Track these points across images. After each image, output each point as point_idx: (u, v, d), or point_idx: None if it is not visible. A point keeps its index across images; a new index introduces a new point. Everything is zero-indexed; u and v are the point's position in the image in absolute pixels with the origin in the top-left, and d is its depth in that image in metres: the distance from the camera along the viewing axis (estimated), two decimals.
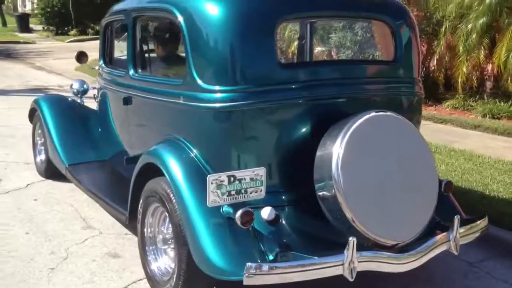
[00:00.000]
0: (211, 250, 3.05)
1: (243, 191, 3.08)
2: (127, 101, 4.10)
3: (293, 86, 3.24)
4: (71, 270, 3.97)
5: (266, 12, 3.21)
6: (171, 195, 3.30)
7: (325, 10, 3.47)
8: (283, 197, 3.28)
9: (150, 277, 3.61)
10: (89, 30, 26.43)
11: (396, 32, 3.58)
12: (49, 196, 5.47)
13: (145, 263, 3.69)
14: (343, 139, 3.02)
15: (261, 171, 3.10)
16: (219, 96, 3.18)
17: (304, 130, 3.29)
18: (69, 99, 6.12)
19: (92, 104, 5.93)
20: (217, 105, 3.18)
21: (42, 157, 6.09)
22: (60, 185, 5.73)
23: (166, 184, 3.37)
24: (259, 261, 2.98)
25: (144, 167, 3.63)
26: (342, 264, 2.90)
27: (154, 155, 3.49)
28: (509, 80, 8.40)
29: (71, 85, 6.26)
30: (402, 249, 3.12)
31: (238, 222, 3.00)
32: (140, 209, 3.68)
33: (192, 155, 3.34)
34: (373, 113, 3.14)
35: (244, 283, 2.86)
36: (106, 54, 4.88)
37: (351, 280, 2.92)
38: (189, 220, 3.13)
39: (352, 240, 2.88)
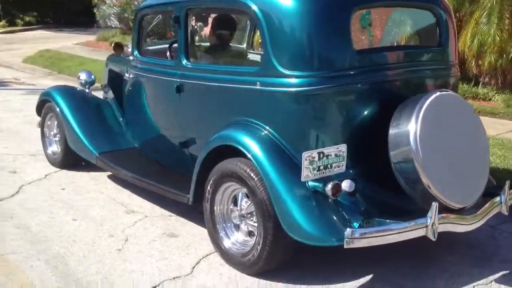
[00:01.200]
0: (304, 220, 3.38)
1: (329, 166, 3.43)
2: (179, 89, 4.30)
3: (365, 71, 3.59)
4: (138, 249, 4.16)
5: (342, 2, 3.54)
6: (252, 174, 3.57)
7: (391, 0, 3.85)
8: (356, 171, 3.63)
9: (224, 251, 3.88)
10: (18, 21, 25.53)
11: (440, 20, 4.01)
12: (74, 185, 5.58)
13: (216, 239, 3.95)
14: (417, 116, 3.41)
15: (343, 148, 3.46)
16: (299, 81, 3.49)
17: (372, 109, 3.66)
18: (79, 89, 6.20)
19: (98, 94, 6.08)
20: (298, 89, 3.50)
21: (54, 148, 6.18)
22: (79, 174, 5.85)
23: (245, 164, 3.64)
24: (347, 228, 3.31)
25: (213, 150, 3.87)
26: (426, 226, 3.28)
27: (230, 138, 3.75)
28: (473, 63, 9.08)
29: (79, 76, 6.35)
30: (467, 212, 3.53)
31: (329, 194, 3.34)
32: (209, 189, 3.92)
33: (270, 135, 3.63)
34: (438, 92, 3.55)
35: (345, 246, 3.21)
36: (142, 44, 5.03)
37: (433, 239, 3.32)
38: (279, 195, 3.44)
39: (435, 204, 3.28)
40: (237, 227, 3.93)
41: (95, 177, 5.80)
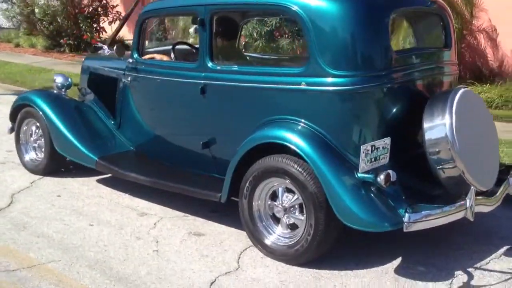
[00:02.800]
0: (359, 209, 3.68)
1: (378, 158, 3.75)
2: (203, 90, 4.43)
3: (401, 70, 3.95)
4: (174, 249, 4.25)
5: (382, 5, 3.86)
6: (302, 169, 3.80)
7: (416, 5, 4.28)
8: (393, 162, 3.96)
9: (267, 246, 4.06)
10: None
11: (446, 24, 4.46)
12: (68, 191, 5.50)
13: (256, 235, 4.13)
14: (451, 109, 3.81)
15: (388, 140, 3.79)
16: (344, 80, 3.78)
17: (404, 105, 4.02)
18: (58, 93, 6.10)
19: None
20: (343, 88, 3.79)
21: (32, 155, 6.03)
22: (66, 180, 5.77)
23: (291, 160, 3.87)
24: (395, 215, 3.64)
25: (252, 148, 4.05)
26: (466, 208, 3.68)
27: (276, 135, 3.95)
28: None
29: (54, 80, 6.23)
30: (489, 194, 3.99)
31: (382, 183, 3.66)
32: (248, 185, 4.10)
33: (315, 131, 3.88)
34: (463, 89, 3.97)
35: (405, 230, 3.55)
36: (142, 47, 5.07)
37: (472, 220, 3.73)
38: (332, 187, 3.70)
39: (473, 189, 3.69)
40: (277, 221, 4.13)
41: (85, 182, 5.74)
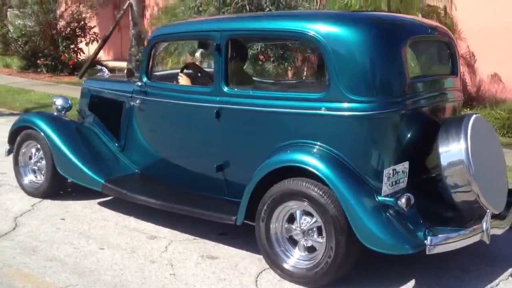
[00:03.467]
0: (380, 232, 3.77)
1: (398, 181, 3.85)
2: (218, 114, 4.48)
3: (416, 96, 4.07)
4: (191, 273, 4.26)
5: (399, 33, 4.00)
6: (322, 192, 3.88)
7: (428, 34, 4.45)
8: (409, 186, 4.07)
9: (284, 268, 4.10)
10: None
11: (453, 51, 4.62)
12: (71, 214, 5.46)
13: (274, 258, 4.17)
14: (466, 135, 3.94)
15: (407, 165, 3.91)
16: (363, 105, 3.88)
17: (418, 130, 4.14)
18: (57, 115, 6.08)
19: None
20: (363, 113, 3.89)
21: (31, 177, 5.97)
22: (67, 203, 5.73)
23: (311, 183, 3.94)
24: (415, 237, 3.74)
25: (270, 172, 4.11)
26: (483, 231, 3.80)
27: (295, 159, 4.02)
28: None
29: (54, 102, 6.21)
30: (501, 217, 4.12)
31: (403, 206, 3.75)
32: (266, 208, 4.15)
33: (334, 155, 3.96)
34: (475, 115, 4.11)
35: (427, 253, 3.64)
36: (151, 70, 5.11)
37: (487, 242, 3.85)
38: (353, 210, 3.78)
39: (489, 212, 3.81)
40: (294, 244, 4.18)
41: (87, 205, 5.70)
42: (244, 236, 4.80)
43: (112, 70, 16.31)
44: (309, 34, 4.03)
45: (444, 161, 3.98)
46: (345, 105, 3.91)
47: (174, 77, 5.36)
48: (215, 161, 4.60)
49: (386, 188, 3.78)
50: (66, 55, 16.84)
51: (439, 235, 3.74)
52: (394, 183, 3.85)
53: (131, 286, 4.01)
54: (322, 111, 3.98)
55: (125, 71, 5.29)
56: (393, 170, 3.82)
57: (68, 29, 17.32)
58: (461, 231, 3.83)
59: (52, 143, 5.59)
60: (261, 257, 4.43)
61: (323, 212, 3.90)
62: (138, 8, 16.27)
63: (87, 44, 17.62)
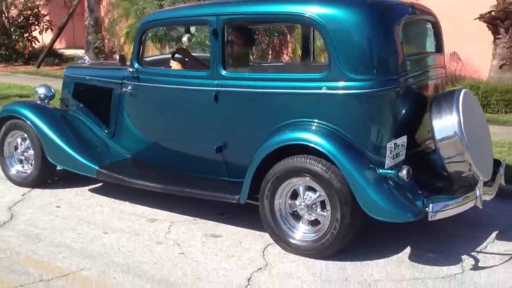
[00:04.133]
0: (383, 202, 4.00)
1: (398, 154, 4.09)
2: (217, 97, 4.60)
3: (410, 73, 4.30)
4: (200, 251, 4.39)
5: (394, 14, 4.21)
6: (324, 168, 4.07)
7: (414, 14, 4.64)
8: (406, 158, 4.31)
9: (291, 243, 4.28)
10: None
11: (437, 30, 4.87)
12: (65, 201, 5.49)
13: (280, 233, 4.34)
14: (458, 108, 4.20)
15: (405, 138, 4.15)
16: (363, 84, 4.08)
17: (412, 106, 4.37)
18: (41, 103, 6.07)
19: None
20: (363, 91, 4.09)
21: (18, 167, 5.95)
22: (58, 192, 5.76)
23: (314, 160, 4.12)
24: (415, 206, 3.99)
25: (273, 151, 4.28)
26: (476, 198, 4.07)
27: (299, 137, 4.18)
28: None
29: (37, 91, 6.18)
30: (489, 184, 4.42)
31: (404, 178, 3.99)
32: (270, 186, 4.32)
33: (336, 132, 4.15)
34: (464, 89, 4.38)
35: (430, 219, 3.91)
36: (142, 56, 5.17)
37: (481, 207, 4.13)
38: (358, 183, 4.00)
39: (482, 179, 4.09)
40: (297, 218, 4.36)
41: (78, 192, 5.75)
42: (242, 215, 4.96)
43: (70, 58, 16.11)
44: (309, 16, 4.19)
45: (438, 134, 4.23)
46: (345, 83, 4.10)
47: (164, 63, 5.42)
48: (214, 143, 4.72)
49: (389, 161, 4.01)
50: (20, 44, 16.47)
51: (439, 203, 3.98)
52: (395, 156, 4.08)
53: (144, 267, 4.11)
54: (323, 90, 4.15)
55: (118, 57, 5.31)
56: (394, 144, 4.05)
57: (21, 17, 16.92)
58: (456, 199, 4.10)
59: (41, 132, 5.58)
60: (262, 233, 4.61)
61: (327, 186, 4.09)
62: None
63: (40, 32, 17.28)
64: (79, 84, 5.99)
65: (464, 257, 4.31)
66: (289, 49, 12.35)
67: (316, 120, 4.22)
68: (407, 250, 4.41)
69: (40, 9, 17.17)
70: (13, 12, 17.00)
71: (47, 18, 17.40)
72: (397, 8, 4.42)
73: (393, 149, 4.05)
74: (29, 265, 4.11)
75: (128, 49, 13.84)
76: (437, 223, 4.54)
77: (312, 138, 4.15)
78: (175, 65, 5.31)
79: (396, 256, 4.32)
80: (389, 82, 4.12)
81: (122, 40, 14.54)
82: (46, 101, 6.13)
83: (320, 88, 4.17)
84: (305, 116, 4.27)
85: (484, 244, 4.55)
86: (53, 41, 15.99)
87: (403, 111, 4.29)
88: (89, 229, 4.79)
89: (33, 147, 5.71)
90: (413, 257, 4.29)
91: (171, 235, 4.69)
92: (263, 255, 4.32)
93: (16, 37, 16.44)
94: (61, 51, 17.33)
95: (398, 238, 4.55)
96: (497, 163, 4.72)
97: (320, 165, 4.10)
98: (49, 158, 5.58)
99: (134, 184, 5.07)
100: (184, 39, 5.64)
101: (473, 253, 4.36)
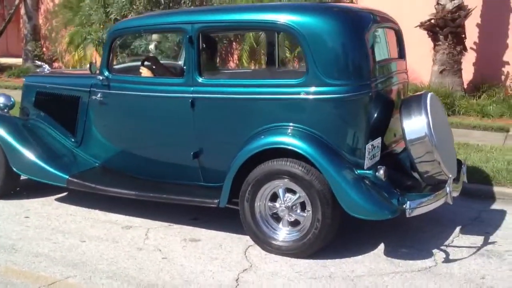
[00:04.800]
0: (362, 201, 4.19)
1: (374, 155, 4.30)
2: (193, 104, 4.68)
3: (380, 78, 4.53)
4: (182, 255, 4.44)
5: (365, 23, 4.43)
6: (305, 170, 4.23)
7: (382, 23, 4.90)
8: (380, 159, 4.53)
9: (272, 244, 4.40)
10: None
11: (400, 37, 5.14)
12: (33, 212, 5.41)
13: (260, 235, 4.45)
14: (426, 110, 4.45)
15: (379, 140, 4.36)
16: (339, 89, 4.26)
17: (382, 109, 4.58)
18: (1, 113, 5.96)
19: None
20: (339, 95, 4.26)
21: None
22: (23, 202, 5.68)
23: (295, 162, 4.27)
24: (391, 204, 4.21)
25: (253, 155, 4.40)
26: (447, 194, 4.33)
27: (278, 141, 4.31)
28: None
29: None
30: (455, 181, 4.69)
31: (382, 177, 4.20)
32: (250, 189, 4.43)
33: (314, 135, 4.31)
34: (430, 93, 4.65)
35: (408, 215, 4.14)
36: (111, 64, 5.18)
37: (451, 203, 4.39)
38: (338, 184, 4.16)
39: (451, 177, 4.36)
40: (278, 220, 4.49)
41: (45, 202, 5.68)
42: (216, 219, 5.05)
43: (6, 67, 15.63)
44: (285, 23, 4.34)
45: (408, 135, 4.46)
46: (323, 88, 4.26)
47: (133, 70, 5.44)
48: (191, 149, 4.77)
49: (367, 162, 4.20)
50: None
51: (415, 200, 4.21)
52: (372, 156, 4.28)
53: (130, 273, 4.12)
54: (302, 96, 4.31)
55: (88, 65, 5.27)
56: (371, 145, 4.25)
57: None
58: (428, 196, 4.34)
59: (5, 142, 5.48)
60: (240, 235, 4.72)
61: (307, 187, 4.24)
62: (32, 1, 15.69)
63: None
64: (41, 93, 5.91)
65: (435, 251, 4.54)
66: (235, 56, 12.55)
67: (294, 124, 4.36)
68: (382, 246, 4.61)
69: None
70: None
71: None
72: (366, 16, 4.63)
73: (371, 150, 4.24)
74: (11, 276, 4.05)
75: (71, 57, 13.64)
76: (404, 221, 4.78)
77: (293, 141, 4.29)
78: (145, 72, 5.33)
79: (372, 252, 4.51)
80: (363, 87, 4.31)
81: (63, 47, 14.28)
82: (5, 110, 6.00)
83: (298, 93, 4.31)
84: (284, 120, 4.41)
85: (451, 238, 4.81)
86: None
87: (375, 115, 4.49)
88: (65, 238, 4.74)
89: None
90: (388, 253, 4.49)
91: (150, 241, 4.71)
92: (246, 257, 4.42)
93: None
94: None
95: (371, 235, 4.75)
96: (459, 163, 5.00)
97: (300, 168, 4.24)
98: (14, 169, 5.47)
99: (108, 191, 5.06)
100: (151, 47, 5.68)
101: (442, 247, 4.61)
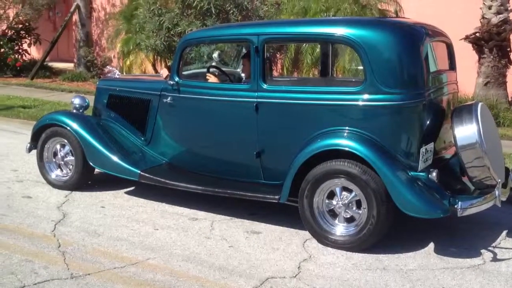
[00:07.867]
0: (416, 200, 4.54)
1: (427, 158, 4.66)
2: (257, 108, 5.12)
3: (433, 88, 4.90)
4: (246, 245, 4.86)
5: (421, 36, 4.82)
6: (361, 170, 4.61)
7: (435, 36, 5.27)
8: (432, 162, 4.89)
9: (329, 237, 4.80)
10: None
11: (451, 50, 5.51)
12: (107, 202, 5.89)
13: (317, 229, 4.85)
14: (477, 118, 4.79)
15: (432, 145, 4.73)
16: (395, 97, 4.64)
17: (434, 117, 4.95)
18: (79, 113, 6.50)
19: None
20: (395, 103, 4.64)
21: (57, 172, 6.35)
22: (96, 194, 6.16)
23: (352, 163, 4.66)
24: (443, 204, 4.57)
25: (313, 155, 4.81)
26: (496, 197, 4.66)
27: (337, 143, 4.72)
28: None
29: (72, 101, 6.60)
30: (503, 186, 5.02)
31: (435, 179, 4.57)
32: (309, 187, 4.84)
33: (371, 139, 4.70)
34: (479, 102, 4.99)
35: (459, 215, 4.49)
36: (181, 70, 5.68)
37: (500, 206, 4.71)
38: (393, 184, 4.53)
39: (500, 181, 4.69)
40: (334, 216, 4.89)
41: (116, 195, 6.16)
42: (272, 214, 5.47)
43: (59, 71, 16.36)
44: (346, 36, 4.76)
45: (460, 141, 4.81)
46: (380, 96, 4.66)
47: (199, 76, 5.93)
48: (253, 150, 5.21)
49: (421, 164, 4.58)
50: (11, 56, 16.70)
51: (466, 201, 4.56)
52: (425, 160, 4.65)
53: (201, 257, 4.56)
54: (360, 102, 4.71)
55: (161, 71, 5.76)
56: (425, 149, 4.63)
57: (12, 30, 17.17)
58: (478, 198, 4.68)
59: (82, 139, 6.00)
60: (297, 230, 5.13)
61: (364, 187, 4.62)
62: (86, 10, 16.43)
63: (29, 45, 17.54)
64: (113, 96, 6.43)
65: (482, 251, 4.85)
66: (279, 65, 13.00)
67: (351, 128, 4.75)
68: (431, 245, 4.95)
69: (31, 22, 17.42)
70: (2, 25, 17.22)
71: (36, 31, 17.65)
72: (420, 30, 5.02)
73: (425, 153, 4.62)
74: (98, 255, 4.52)
75: (123, 63, 14.27)
76: (452, 223, 5.14)
77: (350, 144, 4.69)
78: (212, 78, 5.81)
79: (423, 250, 4.85)
80: (417, 95, 4.69)
81: (115, 53, 14.98)
82: (81, 110, 6.54)
83: (357, 100, 4.72)
84: (341, 125, 4.81)
85: (498, 240, 5.11)
86: (47, 54, 16.30)
87: (428, 121, 4.86)
88: (140, 226, 5.22)
89: (74, 153, 6.11)
90: (438, 251, 4.83)
91: (216, 231, 5.15)
92: (304, 248, 4.82)
93: (7, 50, 16.65)
94: (51, 64, 17.62)
95: (420, 235, 5.10)
96: (506, 171, 5.32)
97: (357, 168, 4.64)
98: (90, 163, 5.99)
99: (177, 186, 5.52)
100: (215, 55, 6.16)
101: (489, 248, 4.92)
